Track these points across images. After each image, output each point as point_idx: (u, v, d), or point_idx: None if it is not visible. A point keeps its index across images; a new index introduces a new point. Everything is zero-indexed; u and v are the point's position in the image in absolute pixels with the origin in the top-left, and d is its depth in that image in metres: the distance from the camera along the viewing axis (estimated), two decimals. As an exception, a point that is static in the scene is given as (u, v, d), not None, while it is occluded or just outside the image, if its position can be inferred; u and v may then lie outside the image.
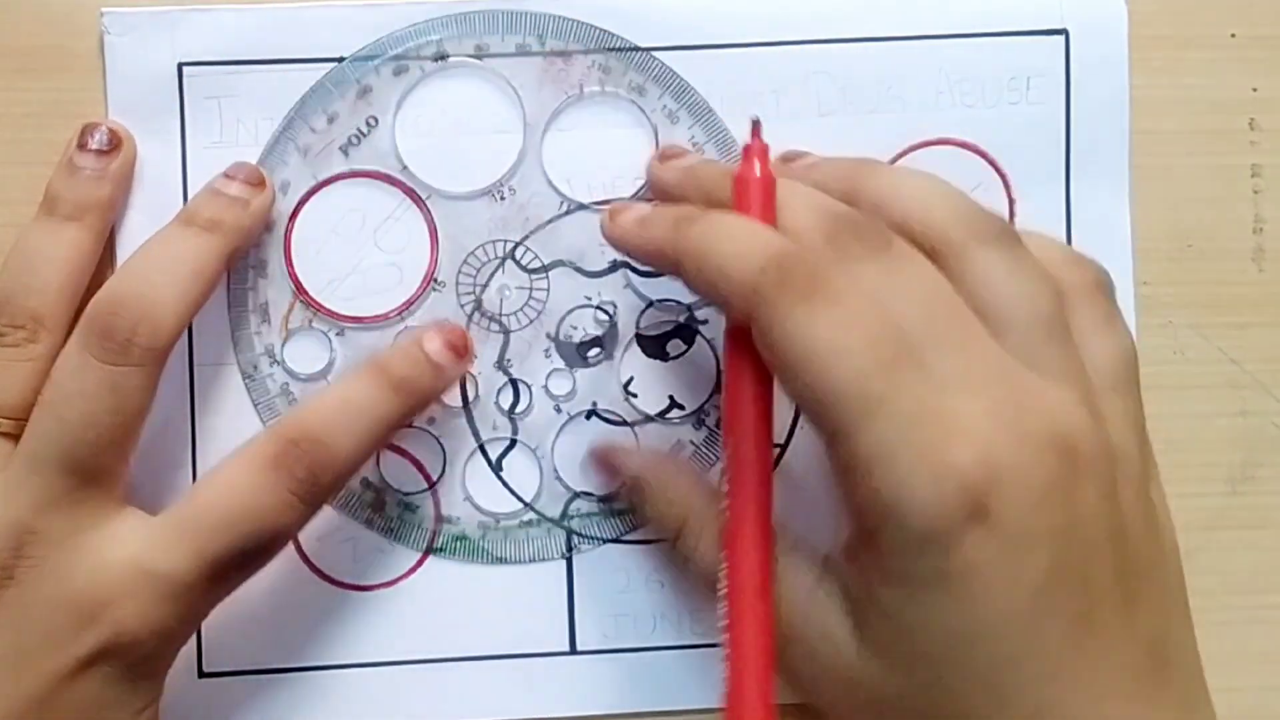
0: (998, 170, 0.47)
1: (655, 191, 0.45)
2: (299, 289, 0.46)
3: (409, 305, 0.46)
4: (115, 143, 0.44)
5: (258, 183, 0.44)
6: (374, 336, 0.46)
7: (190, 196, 0.45)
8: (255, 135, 0.45)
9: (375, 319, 0.46)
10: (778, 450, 0.45)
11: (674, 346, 0.46)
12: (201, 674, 0.45)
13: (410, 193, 0.46)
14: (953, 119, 0.46)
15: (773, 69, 0.46)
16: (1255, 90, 0.48)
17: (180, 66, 0.45)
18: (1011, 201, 0.47)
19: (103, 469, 0.40)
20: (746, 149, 0.40)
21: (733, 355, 0.39)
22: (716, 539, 0.40)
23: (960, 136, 0.46)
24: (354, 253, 0.46)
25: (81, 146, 0.44)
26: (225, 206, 0.43)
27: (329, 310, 0.46)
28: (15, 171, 0.46)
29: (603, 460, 0.46)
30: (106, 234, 0.44)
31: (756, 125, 0.40)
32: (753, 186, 0.39)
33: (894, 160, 0.46)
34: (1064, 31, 0.46)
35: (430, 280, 0.46)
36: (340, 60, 0.45)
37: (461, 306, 0.46)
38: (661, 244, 0.40)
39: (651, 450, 0.46)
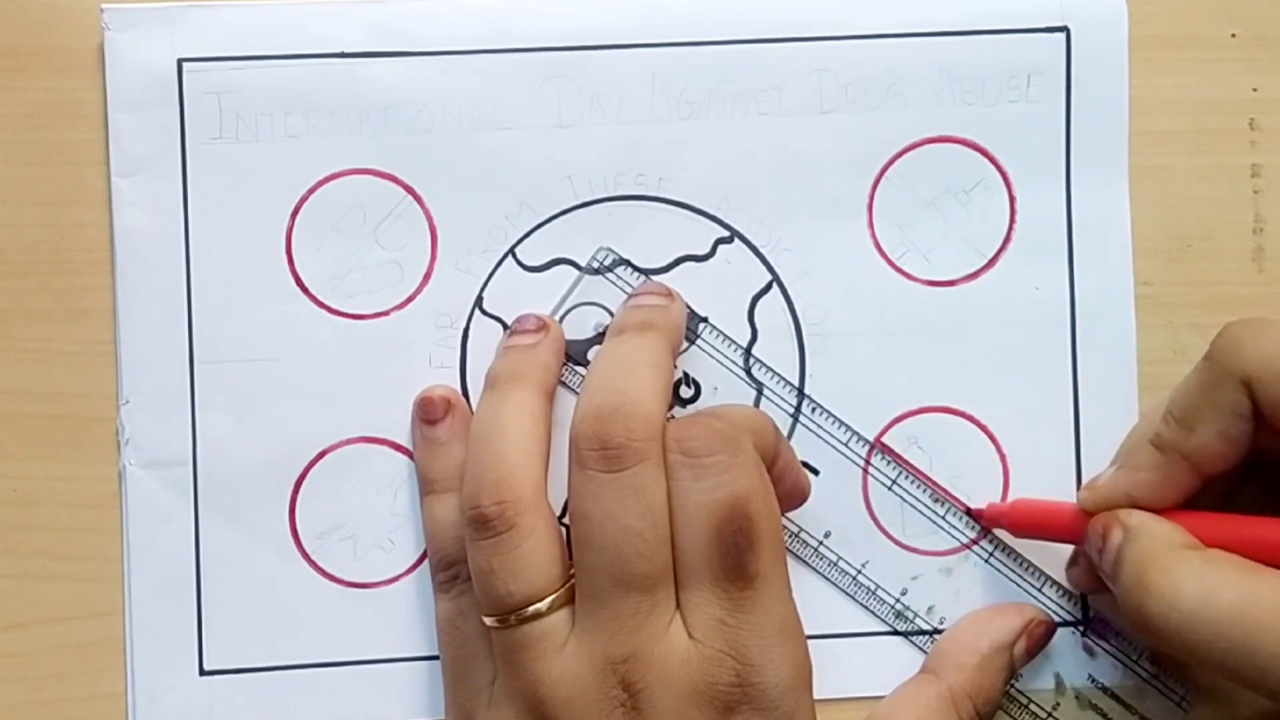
0: (998, 168, 0.47)
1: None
2: (300, 286, 0.46)
3: (409, 302, 0.46)
4: (543, 324, 0.45)
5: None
6: (373, 334, 0.46)
7: (190, 187, 0.45)
8: (255, 131, 0.45)
9: (375, 316, 0.46)
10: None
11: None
12: (202, 672, 0.45)
13: (410, 190, 0.46)
14: (953, 116, 0.46)
15: (775, 66, 0.46)
16: (1255, 90, 0.48)
17: (180, 62, 0.45)
18: (1012, 199, 0.47)
19: (662, 572, 0.39)
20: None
21: None
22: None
23: (961, 134, 0.46)
24: (354, 250, 0.46)
25: (513, 333, 0.45)
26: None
27: (330, 307, 0.46)
28: (15, 171, 0.46)
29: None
30: (551, 395, 0.44)
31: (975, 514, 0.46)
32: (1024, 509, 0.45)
33: (894, 158, 0.46)
34: (1064, 29, 0.46)
35: (430, 277, 0.46)
36: (340, 56, 0.45)
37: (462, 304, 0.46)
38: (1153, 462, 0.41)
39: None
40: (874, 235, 0.47)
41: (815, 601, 0.46)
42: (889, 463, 0.46)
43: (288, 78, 0.45)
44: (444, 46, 0.46)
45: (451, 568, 0.44)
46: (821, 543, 0.46)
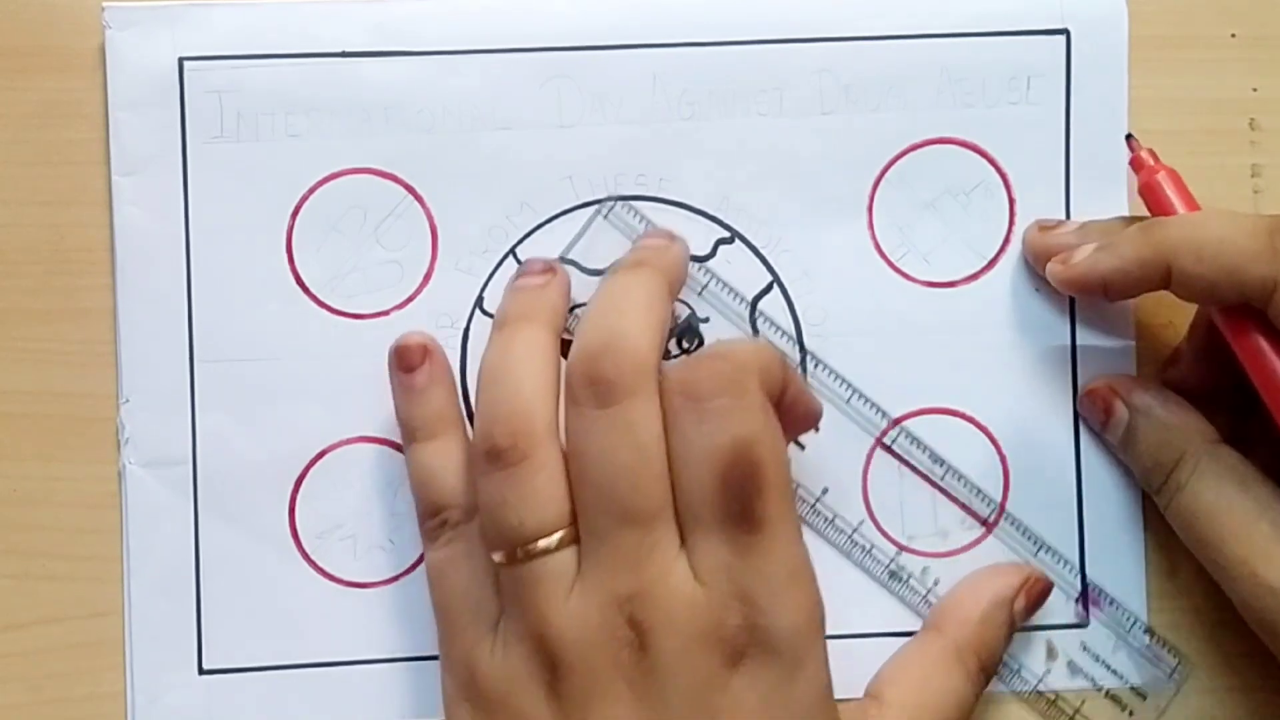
0: (998, 170, 0.47)
1: (1044, 258, 0.45)
2: (300, 285, 0.46)
3: (409, 302, 0.46)
4: (551, 268, 0.44)
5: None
6: (374, 333, 0.46)
7: (190, 186, 0.45)
8: (256, 130, 0.45)
9: (375, 316, 0.46)
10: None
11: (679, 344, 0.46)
12: (201, 671, 0.45)
13: (411, 189, 0.46)
14: (953, 118, 0.46)
15: (777, 67, 0.46)
16: (1255, 90, 0.48)
17: (181, 61, 0.45)
18: (1012, 201, 0.47)
19: (658, 507, 0.39)
20: (1136, 158, 0.44)
21: (1248, 335, 0.42)
22: (1213, 476, 0.43)
23: (961, 136, 0.47)
24: (355, 249, 0.46)
25: (520, 276, 0.44)
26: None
27: (330, 307, 0.46)
28: (15, 171, 0.46)
29: (1101, 392, 0.46)
30: (560, 335, 0.43)
31: (1132, 138, 0.45)
32: (1168, 184, 0.44)
33: (894, 160, 0.46)
34: (1064, 31, 0.47)
35: (430, 277, 0.46)
36: (341, 55, 0.45)
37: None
38: (1141, 256, 0.42)
39: (1151, 382, 0.46)
40: (874, 236, 0.47)
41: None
42: (891, 464, 0.46)
43: (288, 77, 0.45)
44: (444, 46, 0.46)
45: (439, 514, 0.43)
46: (819, 499, 0.46)
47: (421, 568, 0.45)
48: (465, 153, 0.46)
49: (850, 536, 0.46)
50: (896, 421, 0.46)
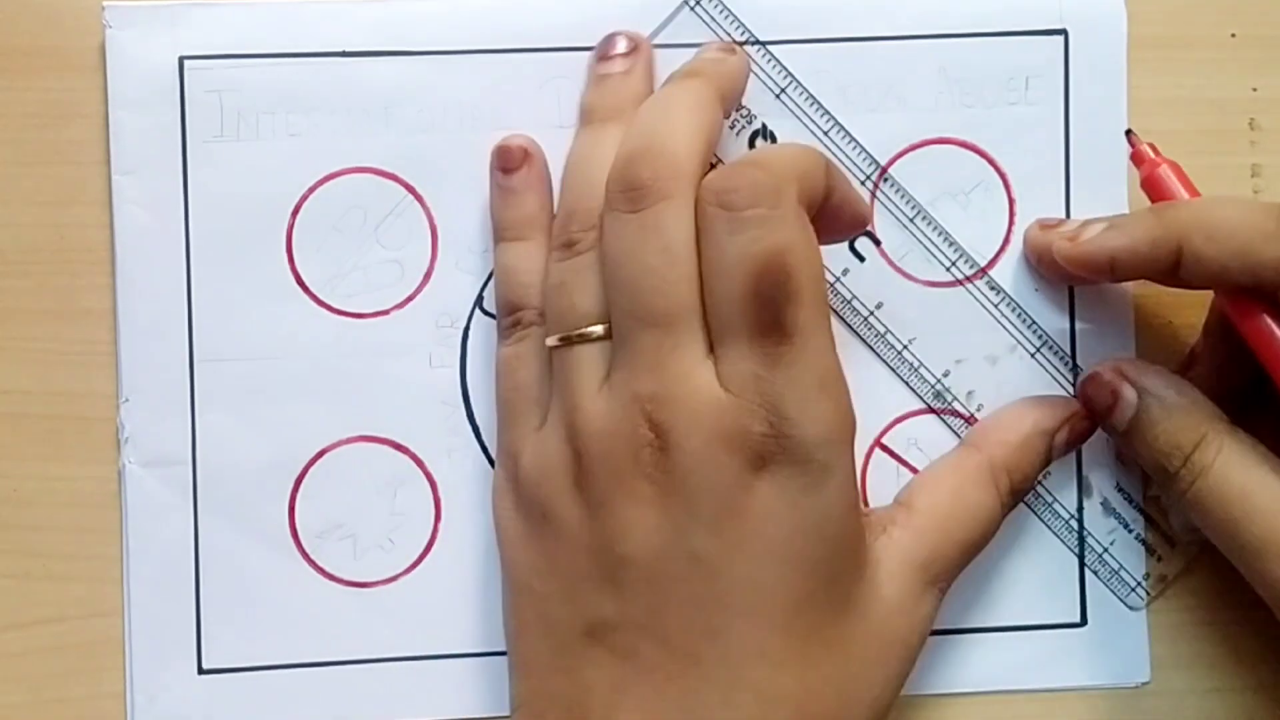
0: (997, 170, 0.47)
1: (1045, 257, 0.45)
2: (300, 285, 0.46)
3: (409, 302, 0.46)
4: (634, 45, 0.45)
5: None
6: (374, 333, 0.46)
7: (190, 185, 0.45)
8: (256, 129, 0.45)
9: (375, 315, 0.46)
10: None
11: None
12: (201, 671, 0.45)
13: (411, 189, 0.46)
14: (952, 119, 0.46)
15: (774, 68, 0.46)
16: (1255, 90, 0.48)
17: (181, 60, 0.45)
18: (1011, 201, 0.47)
19: (682, 310, 0.39)
20: (1137, 152, 0.44)
21: (1256, 318, 0.42)
22: (1240, 455, 0.42)
23: (960, 136, 0.47)
24: (355, 249, 0.46)
25: (604, 57, 0.45)
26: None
27: (330, 306, 0.46)
28: (15, 171, 0.46)
29: (1107, 376, 0.44)
30: None
31: (1131, 133, 0.45)
32: (1171, 176, 0.44)
33: (893, 160, 0.46)
34: (1063, 31, 0.47)
35: (430, 277, 0.46)
36: (341, 55, 0.45)
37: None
38: (1152, 236, 0.42)
39: (1157, 365, 0.45)
40: (874, 236, 0.47)
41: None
42: (890, 465, 0.46)
43: (289, 76, 0.45)
44: (444, 46, 0.46)
45: (516, 313, 0.44)
46: (872, 313, 0.46)
47: (422, 567, 0.46)
48: (465, 153, 0.46)
49: (900, 353, 0.46)
50: (896, 421, 0.46)
